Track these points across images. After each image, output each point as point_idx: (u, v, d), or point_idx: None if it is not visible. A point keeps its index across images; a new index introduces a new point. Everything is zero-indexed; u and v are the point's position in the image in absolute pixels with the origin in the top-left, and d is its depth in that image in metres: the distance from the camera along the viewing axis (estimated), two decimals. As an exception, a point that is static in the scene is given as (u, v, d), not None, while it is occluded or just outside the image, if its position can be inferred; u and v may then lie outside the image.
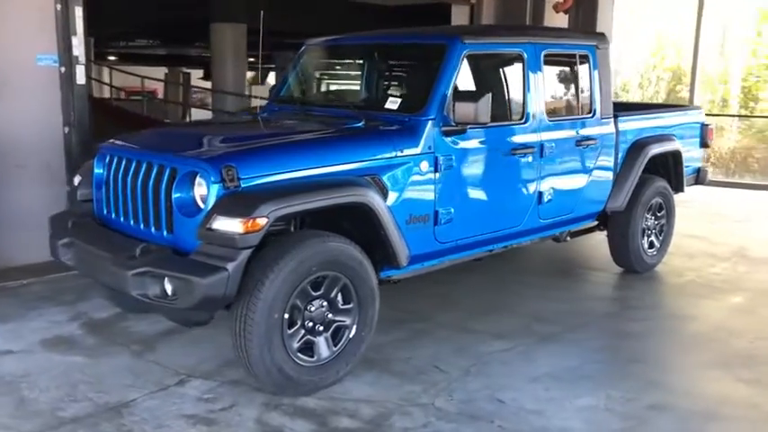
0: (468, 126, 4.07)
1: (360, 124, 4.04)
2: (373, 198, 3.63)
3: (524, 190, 4.67)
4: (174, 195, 3.42)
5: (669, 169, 6.03)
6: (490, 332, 4.44)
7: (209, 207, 3.29)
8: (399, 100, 4.19)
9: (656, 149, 5.66)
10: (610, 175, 5.37)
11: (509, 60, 4.56)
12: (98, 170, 4.06)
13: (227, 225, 3.17)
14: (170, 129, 4.64)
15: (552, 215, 4.95)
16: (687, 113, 6.34)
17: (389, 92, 4.39)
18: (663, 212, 5.98)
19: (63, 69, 5.60)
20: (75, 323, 4.47)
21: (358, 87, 4.97)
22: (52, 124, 5.65)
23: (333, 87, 5.02)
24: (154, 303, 3.28)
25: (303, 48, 5.12)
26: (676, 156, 5.97)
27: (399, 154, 3.89)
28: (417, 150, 3.96)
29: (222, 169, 3.30)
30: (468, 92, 4.05)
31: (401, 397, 3.54)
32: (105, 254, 3.48)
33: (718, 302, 5.24)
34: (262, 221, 3.17)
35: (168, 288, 3.20)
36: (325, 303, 3.54)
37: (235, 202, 3.24)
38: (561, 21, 9.37)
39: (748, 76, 16.60)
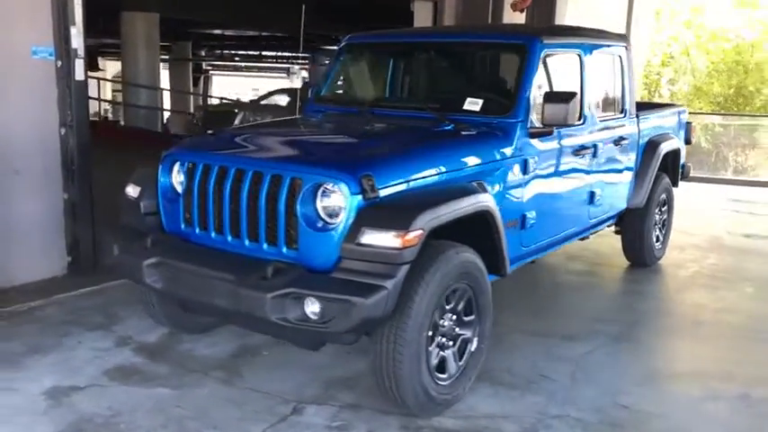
0: (555, 128, 4.02)
1: (450, 127, 3.88)
2: (493, 204, 3.50)
3: (583, 190, 4.70)
4: (300, 208, 3.12)
5: (668, 165, 6.28)
6: (559, 334, 4.43)
7: (349, 220, 3.03)
8: (480, 101, 4.05)
9: (666, 147, 5.87)
10: (632, 174, 5.51)
11: (570, 61, 4.54)
12: (164, 179, 3.65)
13: (381, 239, 2.93)
14: (250, 132, 4.20)
15: (598, 214, 5.02)
16: (679, 112, 6.62)
17: (461, 92, 4.22)
18: (665, 207, 6.23)
19: (59, 63, 4.99)
20: (125, 349, 4.00)
21: (420, 87, 4.76)
22: (47, 125, 5.03)
23: (392, 87, 4.75)
24: (295, 327, 2.97)
25: (344, 44, 4.84)
26: (677, 152, 6.23)
27: (498, 158, 3.78)
28: (510, 153, 3.87)
29: (362, 179, 3.05)
30: (558, 93, 3.99)
31: (532, 410, 3.44)
32: (224, 275, 3.11)
33: (738, 292, 5.52)
34: (418, 235, 2.95)
35: (316, 310, 2.92)
36: (453, 317, 3.37)
37: (383, 215, 3.01)
38: (519, 19, 9.51)
39: (650, 74, 17.74)
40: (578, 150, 4.52)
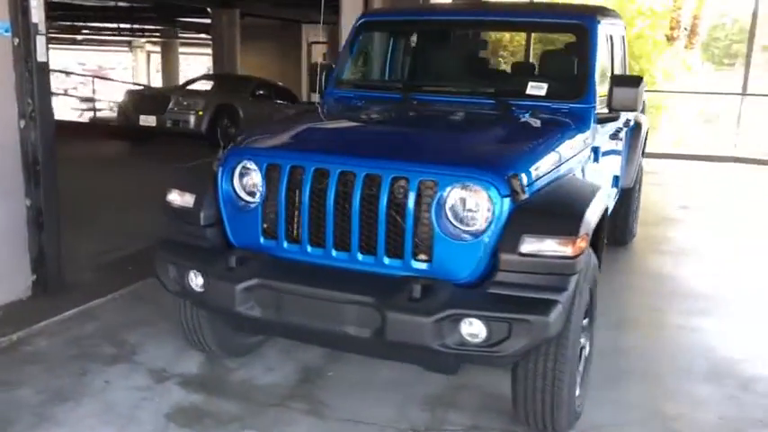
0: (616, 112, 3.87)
1: (528, 114, 3.60)
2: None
3: (611, 175, 4.62)
4: (436, 215, 2.71)
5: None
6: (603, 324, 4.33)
7: (498, 227, 2.67)
8: (544, 85, 3.79)
9: (645, 128, 5.96)
10: (624, 155, 5.53)
11: (608, 42, 4.39)
12: (227, 184, 3.07)
13: (547, 247, 2.60)
14: (311, 125, 3.65)
15: (614, 197, 4.97)
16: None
17: (515, 76, 3.94)
18: (637, 186, 6.36)
19: (17, 41, 4.10)
20: (171, 385, 3.37)
21: (464, 71, 4.37)
22: (3, 116, 4.13)
23: (428, 70, 4.32)
24: (457, 353, 2.59)
25: (361, 22, 4.36)
26: (647, 130, 6.35)
27: (582, 147, 3.57)
28: (588, 141, 3.67)
29: (510, 179, 2.70)
30: (626, 77, 3.84)
31: (659, 412, 3.29)
32: (358, 298, 2.65)
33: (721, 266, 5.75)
34: (585, 239, 2.66)
35: (479, 332, 2.55)
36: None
37: (541, 218, 2.68)
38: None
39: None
40: (614, 135, 4.41)
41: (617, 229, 5.97)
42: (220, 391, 3.33)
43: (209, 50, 20.08)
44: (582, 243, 2.62)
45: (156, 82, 31.17)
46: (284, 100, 12.77)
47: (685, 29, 17.39)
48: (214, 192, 3.10)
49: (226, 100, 11.22)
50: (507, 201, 2.68)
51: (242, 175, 3.07)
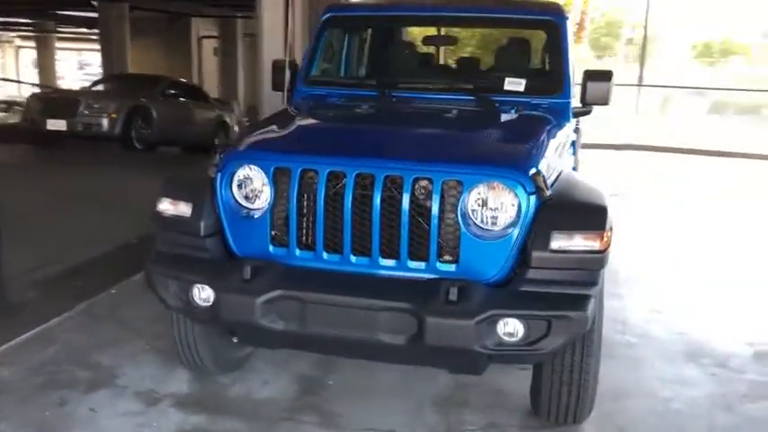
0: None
1: (513, 110, 3.61)
2: None
3: (572, 167, 4.73)
4: (462, 215, 2.67)
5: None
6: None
7: (525, 224, 2.66)
8: (522, 81, 3.82)
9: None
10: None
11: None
12: (226, 191, 2.89)
13: (577, 243, 2.61)
14: (306, 125, 3.48)
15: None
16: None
17: (491, 71, 3.94)
18: (573, 174, 6.59)
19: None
20: (165, 407, 3.14)
21: (437, 67, 4.32)
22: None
23: (400, 66, 4.21)
24: (496, 353, 2.56)
25: (327, 17, 4.23)
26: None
27: (566, 140, 3.63)
28: (570, 134, 3.74)
29: (534, 176, 2.70)
30: (598, 71, 3.92)
31: (654, 394, 3.41)
32: (393, 304, 2.56)
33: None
34: (610, 234, 2.70)
35: (517, 331, 2.53)
36: None
37: (567, 215, 2.68)
38: None
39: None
40: (576, 129, 4.53)
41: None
42: (222, 410, 3.14)
43: (89, 45, 19.04)
44: (608, 237, 2.66)
45: (31, 79, 29.17)
46: (195, 99, 12.38)
47: (577, 24, 18.23)
48: (212, 200, 2.91)
49: (138, 101, 10.96)
50: (533, 198, 2.67)
51: (244, 181, 2.90)
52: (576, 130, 4.73)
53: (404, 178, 2.69)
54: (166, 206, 2.95)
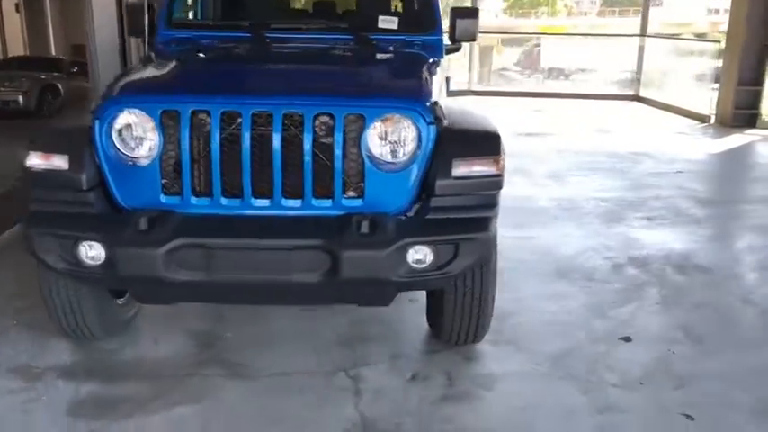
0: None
1: (392, 48, 3.63)
2: None
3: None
4: (365, 149, 2.66)
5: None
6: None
7: (426, 154, 2.71)
8: (395, 19, 3.84)
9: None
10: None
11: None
12: (106, 139, 2.68)
13: (477, 169, 2.71)
14: (220, 66, 3.23)
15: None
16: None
17: (360, 10, 3.90)
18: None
19: None
20: (49, 380, 2.90)
21: (306, 6, 4.17)
22: None
23: (272, 6, 4.00)
24: (407, 281, 2.60)
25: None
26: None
27: (444, 77, 3.71)
28: (444, 71, 3.83)
29: (434, 106, 2.75)
30: (464, 8, 4.04)
31: (538, 308, 3.66)
32: (305, 242, 2.52)
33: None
34: (504, 157, 2.82)
35: (425, 257, 2.59)
36: None
37: (465, 142, 2.76)
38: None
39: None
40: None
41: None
42: (117, 375, 2.96)
43: None
44: (503, 161, 2.78)
45: None
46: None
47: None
48: (91, 150, 2.68)
49: (49, 80, 12.74)
50: (432, 128, 2.72)
51: (126, 128, 2.69)
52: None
53: (304, 115, 2.63)
54: (38, 161, 2.68)
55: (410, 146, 2.71)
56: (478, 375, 3.03)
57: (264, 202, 2.69)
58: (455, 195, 2.72)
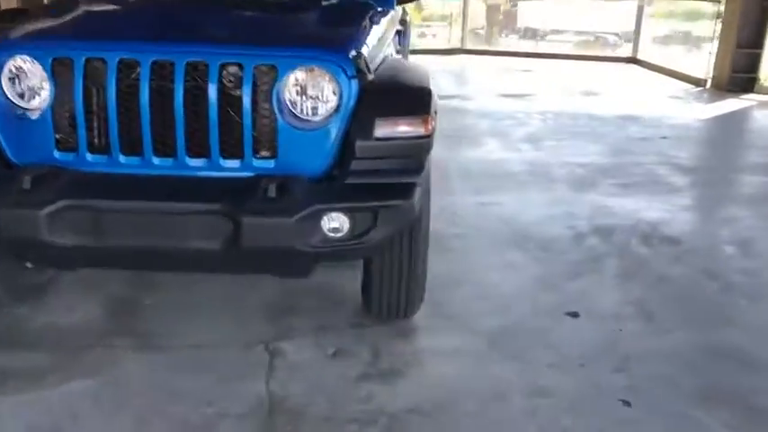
0: None
1: (333, -2, 3.35)
2: None
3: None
4: (278, 104, 2.41)
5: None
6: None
7: (347, 112, 2.46)
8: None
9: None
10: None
11: None
12: (-4, 88, 2.43)
13: (402, 129, 2.45)
14: (115, 10, 2.97)
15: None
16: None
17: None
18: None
19: None
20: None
21: None
22: None
23: None
24: (320, 251, 2.37)
25: None
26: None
27: (399, 27, 3.46)
28: (395, 23, 3.56)
29: (356, 59, 2.48)
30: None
31: (485, 282, 3.44)
32: (203, 206, 2.29)
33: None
34: (435, 117, 2.57)
35: (342, 226, 2.36)
36: None
37: (391, 100, 2.51)
38: None
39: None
40: (402, 21, 4.35)
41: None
42: (21, 344, 2.77)
43: None
44: (433, 121, 2.53)
45: None
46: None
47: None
48: (-23, 102, 2.43)
49: None
50: (355, 82, 2.46)
51: (16, 76, 2.44)
52: (404, 23, 4.57)
53: (209, 65, 2.37)
54: None
55: (329, 102, 2.45)
56: (406, 352, 2.82)
57: (167, 162, 2.45)
58: (377, 158, 2.47)
